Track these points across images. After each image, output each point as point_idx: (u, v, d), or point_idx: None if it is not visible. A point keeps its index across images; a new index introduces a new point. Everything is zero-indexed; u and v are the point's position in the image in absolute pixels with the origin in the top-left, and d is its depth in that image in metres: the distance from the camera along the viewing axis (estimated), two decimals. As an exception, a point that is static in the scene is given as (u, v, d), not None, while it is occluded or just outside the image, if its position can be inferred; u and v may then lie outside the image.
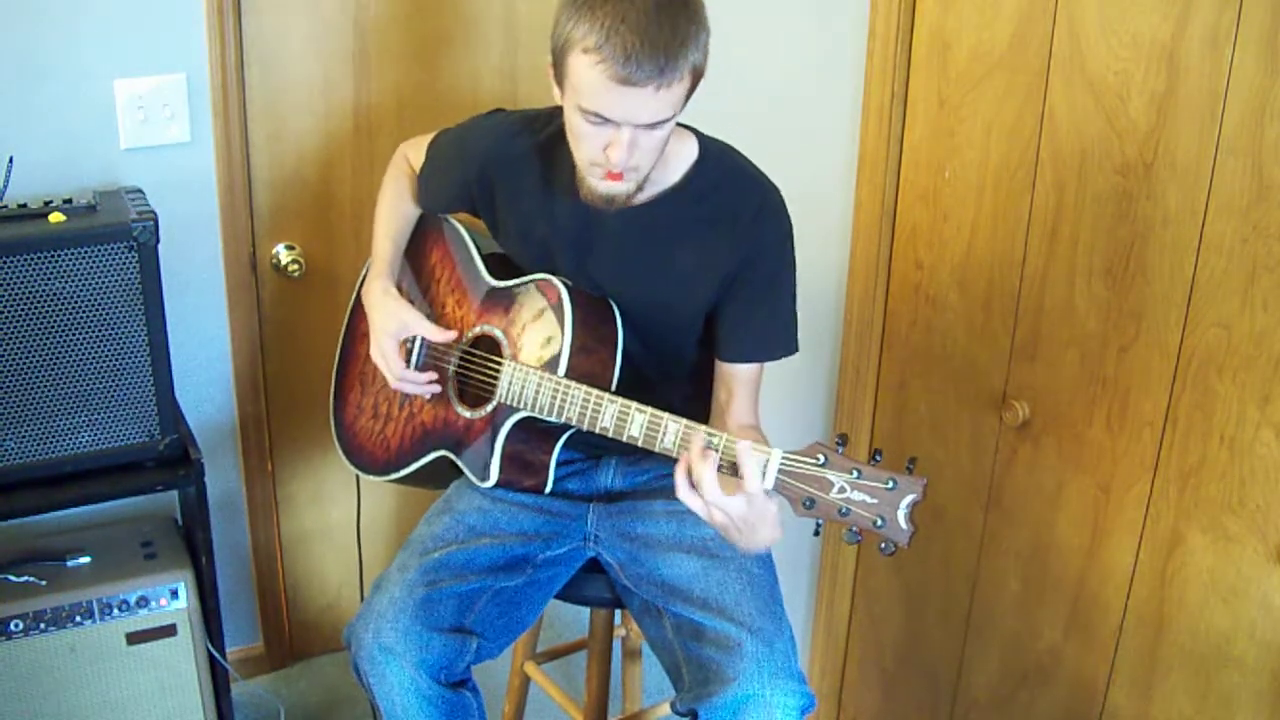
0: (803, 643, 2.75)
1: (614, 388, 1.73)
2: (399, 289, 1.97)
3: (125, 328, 1.95)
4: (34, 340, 1.90)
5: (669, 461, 1.61)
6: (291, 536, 2.66)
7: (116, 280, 1.92)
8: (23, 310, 1.88)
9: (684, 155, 1.74)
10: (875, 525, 1.46)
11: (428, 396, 1.91)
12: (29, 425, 1.94)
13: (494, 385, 1.81)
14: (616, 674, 2.42)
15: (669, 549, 1.81)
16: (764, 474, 1.49)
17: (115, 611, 2.09)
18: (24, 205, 1.94)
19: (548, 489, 1.83)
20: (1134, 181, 1.88)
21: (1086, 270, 1.98)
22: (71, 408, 1.96)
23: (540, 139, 1.79)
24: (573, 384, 1.69)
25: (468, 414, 1.85)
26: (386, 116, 2.41)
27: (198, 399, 2.40)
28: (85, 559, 2.13)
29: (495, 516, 1.86)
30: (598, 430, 1.67)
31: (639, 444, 1.63)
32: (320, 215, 2.43)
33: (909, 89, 2.27)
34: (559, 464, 1.83)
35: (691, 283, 1.75)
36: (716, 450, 1.53)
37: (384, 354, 1.89)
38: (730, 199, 1.73)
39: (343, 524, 2.64)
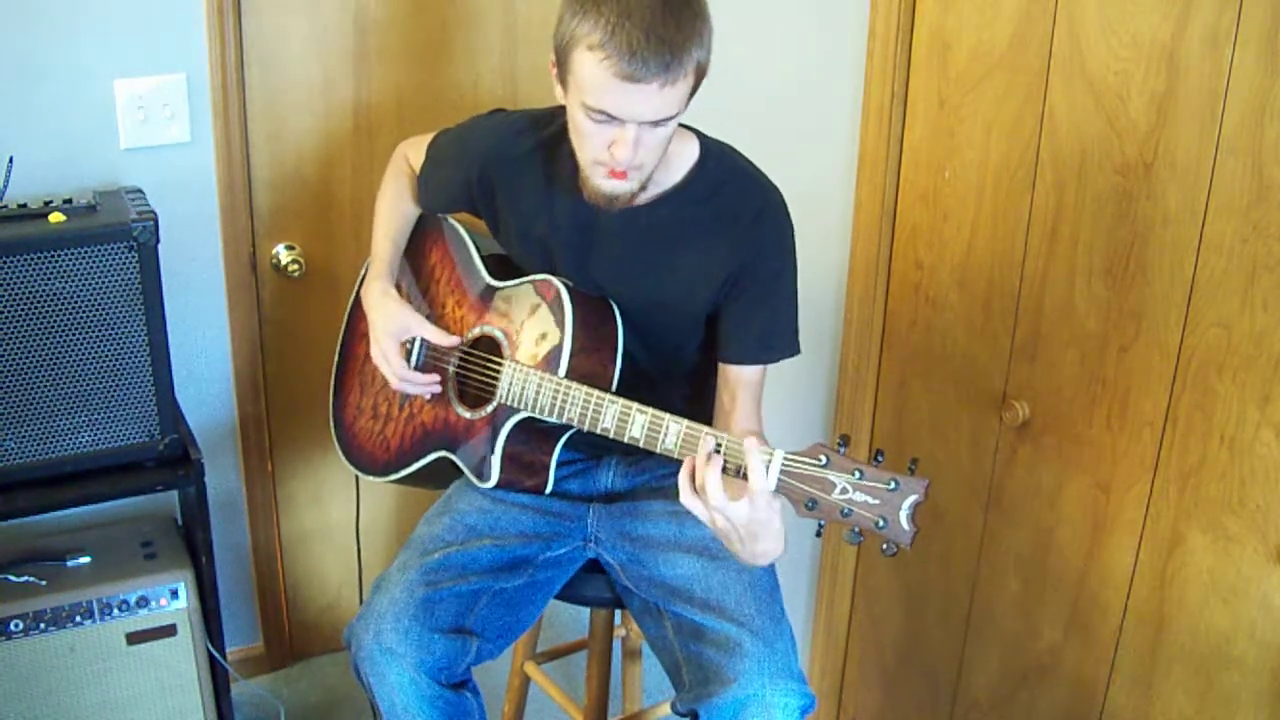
0: (803, 643, 2.75)
1: (614, 388, 1.73)
2: (399, 289, 1.96)
3: (125, 328, 1.95)
4: (34, 340, 1.90)
5: (669, 462, 1.61)
6: (291, 536, 2.66)
7: (116, 280, 1.92)
8: (23, 310, 1.88)
9: (685, 156, 1.73)
10: (877, 526, 1.46)
11: (428, 397, 1.91)
12: (29, 425, 1.94)
13: (494, 386, 1.81)
14: (616, 674, 2.42)
15: (669, 549, 1.81)
16: (767, 473, 1.49)
17: (115, 611, 2.09)
18: (24, 205, 1.94)
19: (548, 489, 1.83)
20: (1134, 181, 1.88)
21: (1086, 270, 1.98)
22: (71, 408, 1.96)
23: (542, 138, 1.79)
24: (573, 385, 1.69)
25: (468, 414, 1.85)
26: (386, 116, 2.41)
27: (198, 399, 2.40)
28: (85, 559, 2.13)
29: (495, 517, 1.86)
30: (599, 431, 1.67)
31: (640, 445, 1.63)
32: (320, 215, 2.43)
33: (909, 89, 2.27)
34: (559, 464, 1.83)
35: (692, 283, 1.75)
36: (720, 453, 1.52)
37: (385, 355, 1.89)
38: (731, 200, 1.73)
39: (343, 524, 2.64)
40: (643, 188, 1.67)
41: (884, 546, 1.47)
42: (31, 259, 1.86)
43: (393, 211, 2.00)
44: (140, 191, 2.08)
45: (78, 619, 2.07)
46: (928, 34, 2.21)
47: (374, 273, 1.96)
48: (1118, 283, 1.93)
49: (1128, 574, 2.00)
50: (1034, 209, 2.06)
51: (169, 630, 2.14)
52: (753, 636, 1.68)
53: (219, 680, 2.21)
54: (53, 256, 1.87)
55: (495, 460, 1.79)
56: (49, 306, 1.89)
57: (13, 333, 1.88)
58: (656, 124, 1.56)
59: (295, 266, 2.40)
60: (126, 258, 1.92)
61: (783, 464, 1.48)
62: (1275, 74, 1.66)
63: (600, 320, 1.77)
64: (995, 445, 2.22)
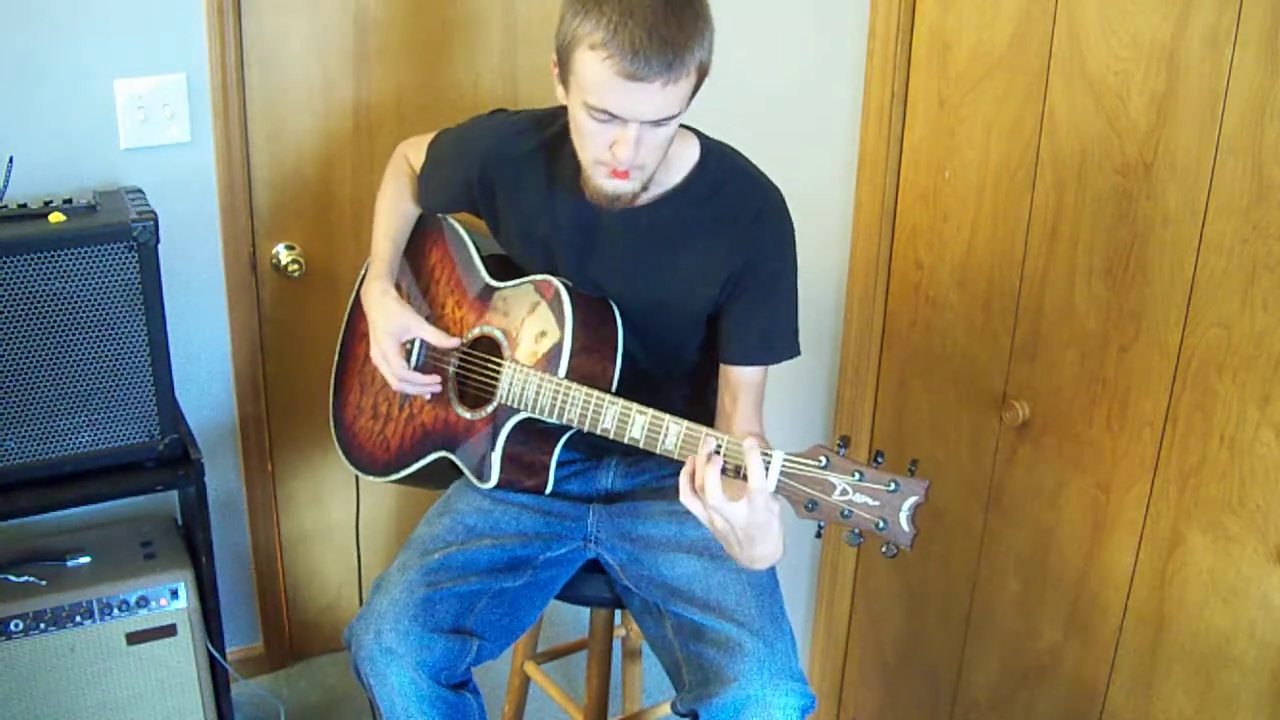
0: (803, 643, 2.75)
1: (614, 389, 1.73)
2: (398, 289, 1.96)
3: (125, 328, 1.95)
4: (34, 340, 1.90)
5: (669, 462, 1.61)
6: (291, 536, 2.66)
7: (116, 280, 1.92)
8: (23, 310, 1.88)
9: (686, 156, 1.74)
10: (877, 528, 1.46)
11: (428, 397, 1.91)
12: (29, 425, 1.94)
13: (494, 386, 1.81)
14: (616, 674, 2.42)
15: (670, 549, 1.81)
16: (766, 473, 1.49)
17: (115, 611, 2.09)
18: (24, 205, 1.94)
19: (548, 490, 1.83)
20: (1134, 181, 1.88)
21: (1086, 270, 1.98)
22: (71, 408, 1.96)
23: (543, 139, 1.79)
24: (573, 385, 1.69)
25: (468, 415, 1.85)
26: (386, 116, 2.41)
27: (198, 399, 2.40)
28: (85, 559, 2.13)
29: (495, 517, 1.86)
30: (599, 432, 1.67)
31: (640, 446, 1.63)
32: (320, 215, 2.43)
33: (909, 89, 2.27)
34: (559, 465, 1.83)
35: (693, 284, 1.75)
36: (721, 453, 1.52)
37: (384, 355, 1.89)
38: (731, 200, 1.73)
39: (343, 524, 2.64)
40: (645, 188, 1.67)
41: (884, 548, 1.47)
42: (31, 259, 1.86)
43: (393, 211, 2.00)
44: (140, 191, 2.08)
45: (78, 619, 2.07)
46: (928, 34, 2.21)
47: (374, 272, 1.96)
48: (1118, 283, 1.93)
49: (1128, 574, 2.00)
50: (1034, 209, 2.06)
51: (169, 630, 2.14)
52: (753, 636, 1.68)
53: (219, 680, 2.21)
54: (53, 256, 1.87)
55: (495, 460, 1.79)
56: (49, 306, 1.89)
57: (13, 333, 1.88)
58: (658, 123, 1.56)
59: (295, 266, 2.40)
60: (126, 258, 1.92)
61: (782, 465, 1.48)
62: (1275, 74, 1.66)
63: (600, 321, 1.77)
64: (995, 445, 2.22)
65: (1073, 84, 1.95)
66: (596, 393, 1.67)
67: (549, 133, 1.79)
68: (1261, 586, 1.80)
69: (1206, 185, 1.77)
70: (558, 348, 1.73)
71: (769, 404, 1.82)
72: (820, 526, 1.51)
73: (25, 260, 1.86)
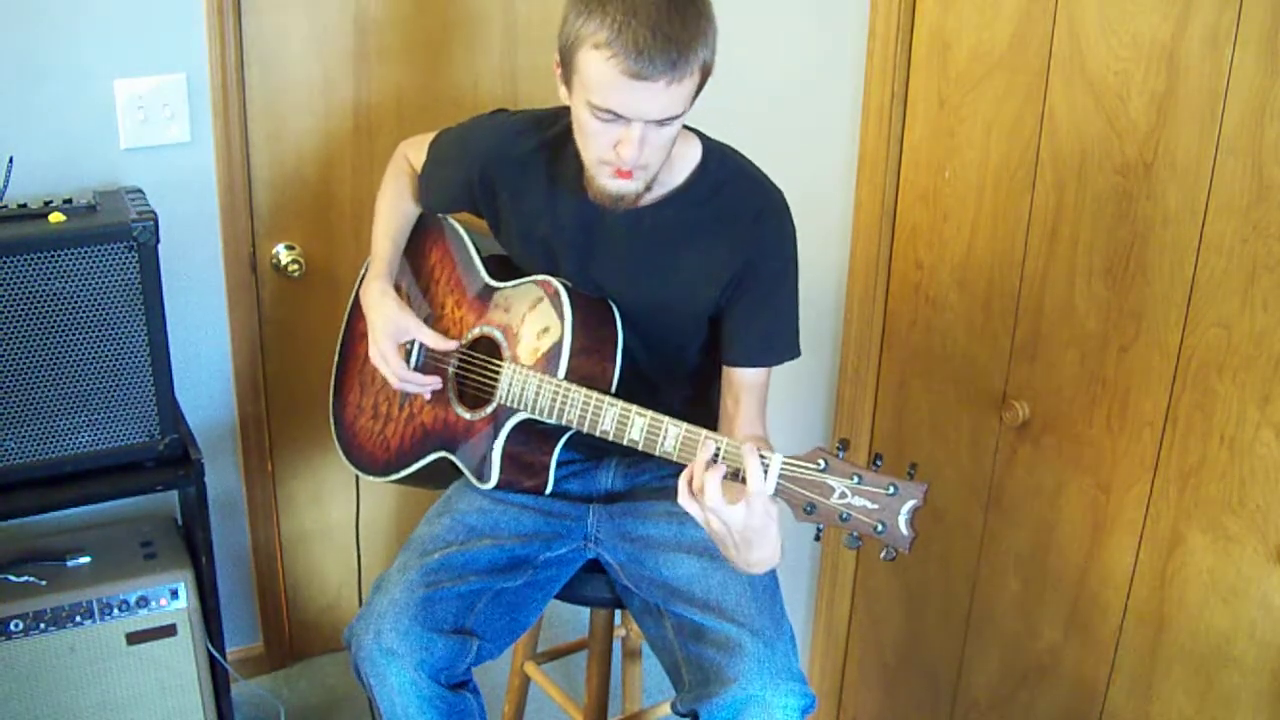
0: (803, 643, 2.75)
1: (614, 390, 1.73)
2: (398, 289, 1.96)
3: (125, 328, 1.95)
4: (34, 340, 1.90)
5: (669, 463, 1.61)
6: (291, 536, 2.66)
7: (116, 280, 1.92)
8: (23, 310, 1.88)
9: (688, 157, 1.74)
10: (876, 531, 1.46)
11: (428, 396, 1.91)
12: (29, 425, 1.94)
13: (494, 386, 1.81)
14: (616, 674, 2.42)
15: (670, 550, 1.81)
16: (765, 476, 1.49)
17: (115, 611, 2.09)
18: (24, 205, 1.94)
19: (548, 490, 1.83)
20: (1134, 181, 1.88)
21: (1086, 270, 1.98)
22: (71, 408, 1.96)
23: (545, 139, 1.79)
24: (573, 386, 1.69)
25: (468, 415, 1.85)
26: (386, 116, 2.41)
27: (198, 399, 2.40)
28: (85, 559, 2.13)
29: (495, 517, 1.86)
30: (598, 433, 1.67)
31: (639, 448, 1.63)
32: (320, 215, 2.43)
33: (909, 89, 2.27)
34: (559, 465, 1.83)
35: (694, 285, 1.75)
36: (720, 457, 1.52)
37: (384, 355, 1.89)
38: (733, 201, 1.73)
39: (342, 524, 2.64)
40: (648, 188, 1.67)
41: (883, 552, 1.47)
42: (31, 259, 1.86)
43: (393, 211, 2.00)
44: (140, 191, 2.08)
45: (78, 619, 2.07)
46: (928, 34, 2.21)
47: (374, 272, 1.96)
48: (1118, 283, 1.93)
49: (1128, 574, 2.00)
50: (1034, 209, 2.06)
51: (169, 630, 2.14)
52: (753, 636, 1.68)
53: (219, 680, 2.21)
54: (53, 256, 1.87)
55: (495, 461, 1.79)
56: (49, 306, 1.89)
57: (13, 333, 1.88)
58: (662, 123, 1.56)
59: (295, 266, 2.40)
60: (126, 258, 1.92)
61: (781, 468, 1.48)
62: (1275, 74, 1.66)
63: (600, 321, 1.76)
64: (995, 445, 2.22)
65: (1073, 84, 1.95)
66: (596, 394, 1.67)
67: (550, 133, 1.79)
68: (1261, 586, 1.80)
69: (1206, 185, 1.77)
70: (557, 347, 1.73)
71: (769, 404, 1.82)
72: (819, 529, 1.51)
73: (25, 260, 1.86)
